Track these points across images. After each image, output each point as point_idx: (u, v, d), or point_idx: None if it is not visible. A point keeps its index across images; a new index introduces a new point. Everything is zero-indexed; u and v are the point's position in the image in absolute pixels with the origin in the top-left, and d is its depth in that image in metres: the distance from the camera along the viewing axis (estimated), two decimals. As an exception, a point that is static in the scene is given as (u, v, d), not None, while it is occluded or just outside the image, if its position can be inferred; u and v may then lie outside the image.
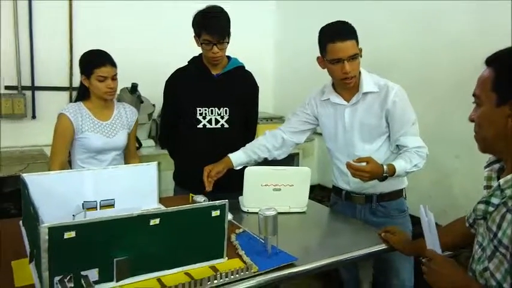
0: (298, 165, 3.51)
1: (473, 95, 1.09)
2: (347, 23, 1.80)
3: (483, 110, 1.06)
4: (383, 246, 1.59)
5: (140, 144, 3.10)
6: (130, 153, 2.29)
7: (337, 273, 2.13)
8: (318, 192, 3.40)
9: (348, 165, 1.71)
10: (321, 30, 1.82)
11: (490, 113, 1.04)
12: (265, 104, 3.97)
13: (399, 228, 1.70)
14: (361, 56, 1.80)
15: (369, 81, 1.85)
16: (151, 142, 3.24)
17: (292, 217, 1.87)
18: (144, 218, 1.23)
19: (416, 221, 2.21)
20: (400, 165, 1.75)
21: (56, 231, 1.11)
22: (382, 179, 1.74)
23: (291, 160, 3.67)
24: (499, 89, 1.02)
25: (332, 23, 1.82)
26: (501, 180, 1.04)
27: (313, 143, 3.66)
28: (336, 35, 1.75)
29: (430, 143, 1.89)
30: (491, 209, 1.06)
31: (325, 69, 1.86)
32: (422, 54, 2.73)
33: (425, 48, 2.71)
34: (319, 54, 1.85)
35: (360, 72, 1.86)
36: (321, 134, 2.08)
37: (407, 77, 2.70)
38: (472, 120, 1.10)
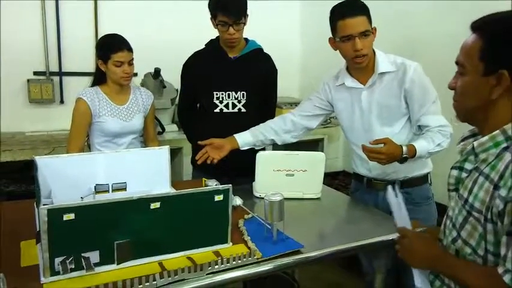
0: (323, 151, 3.44)
1: (456, 62, 1.04)
2: (358, 0, 1.73)
3: (468, 79, 1.01)
4: (392, 236, 1.50)
5: (163, 129, 3.12)
6: (149, 136, 2.31)
7: (359, 264, 2.08)
8: (342, 179, 3.33)
9: (364, 148, 1.64)
10: (332, 10, 1.76)
11: (475, 82, 0.99)
12: (291, 89, 3.91)
13: (424, 216, 1.65)
14: (372, 34, 1.71)
15: (384, 61, 1.77)
16: (174, 127, 3.25)
17: (306, 203, 1.83)
18: (144, 201, 1.22)
19: (442, 209, 2.12)
20: (421, 145, 1.66)
21: (55, 213, 1.12)
22: (402, 160, 1.66)
23: (316, 146, 3.60)
24: (487, 59, 0.97)
25: (342, 1, 1.75)
26: (475, 143, 1.01)
27: (338, 129, 3.56)
28: (346, 11, 1.69)
29: (459, 125, 1.78)
30: (464, 175, 1.05)
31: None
32: (454, 37, 2.58)
33: (457, 30, 2.56)
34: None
35: (374, 53, 1.78)
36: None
37: (438, 58, 2.56)
38: (452, 88, 1.06)
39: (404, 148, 1.64)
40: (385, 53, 1.80)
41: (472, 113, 1.04)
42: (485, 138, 0.99)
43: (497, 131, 0.97)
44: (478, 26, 1.01)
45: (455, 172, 1.08)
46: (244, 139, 1.97)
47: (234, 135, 1.98)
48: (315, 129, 2.09)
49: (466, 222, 1.01)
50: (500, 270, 0.90)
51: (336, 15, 1.72)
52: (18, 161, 2.60)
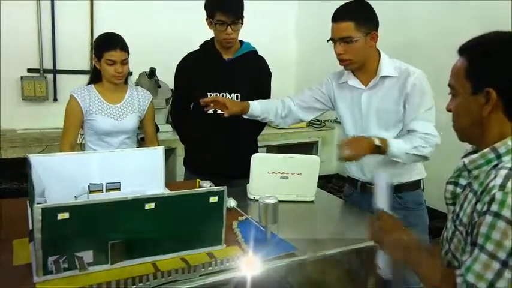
0: (317, 154, 3.46)
1: (449, 85, 1.08)
2: (352, 3, 1.75)
3: (459, 100, 1.05)
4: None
5: (158, 129, 3.11)
6: (148, 137, 2.29)
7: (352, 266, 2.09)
8: (335, 182, 3.35)
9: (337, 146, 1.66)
10: None
11: (466, 102, 1.03)
12: (285, 91, 3.90)
13: (415, 221, 1.69)
14: (358, 41, 1.71)
15: (388, 65, 1.78)
16: (169, 127, 3.25)
17: (299, 206, 1.84)
18: (139, 202, 1.22)
19: (434, 215, 2.13)
20: (396, 142, 1.68)
21: (49, 212, 1.11)
22: (375, 150, 1.65)
23: (310, 148, 3.62)
24: (472, 78, 1.01)
25: (341, 4, 1.76)
26: (465, 160, 1.04)
27: (333, 132, 3.60)
28: (334, 15, 1.74)
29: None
30: (459, 190, 1.08)
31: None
32: (453, 39, 2.60)
33: (457, 36, 2.56)
34: None
35: (379, 56, 1.79)
36: (340, 123, 2.00)
37: (436, 62, 2.56)
38: (449, 110, 1.10)
39: (377, 140, 1.65)
40: (390, 58, 1.81)
41: (469, 131, 1.06)
42: (476, 155, 1.02)
43: (488, 149, 1.00)
44: (463, 48, 1.05)
45: (450, 187, 1.11)
46: (254, 109, 1.95)
47: (249, 101, 1.96)
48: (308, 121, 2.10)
49: (454, 236, 1.04)
50: (457, 272, 0.94)
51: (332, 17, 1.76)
52: (10, 158, 2.59)
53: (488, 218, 0.90)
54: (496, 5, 2.32)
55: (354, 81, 1.85)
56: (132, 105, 2.17)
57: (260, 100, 2.00)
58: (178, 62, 2.23)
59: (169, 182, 1.89)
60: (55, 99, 3.17)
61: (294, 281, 2.28)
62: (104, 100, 2.10)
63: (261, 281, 1.39)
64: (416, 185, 1.88)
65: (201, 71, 2.12)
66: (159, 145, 2.16)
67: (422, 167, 1.88)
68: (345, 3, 1.75)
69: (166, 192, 1.65)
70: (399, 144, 1.68)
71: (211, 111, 2.11)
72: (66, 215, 1.13)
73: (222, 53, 2.11)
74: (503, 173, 0.92)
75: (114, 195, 1.58)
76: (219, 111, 2.10)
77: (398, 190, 1.84)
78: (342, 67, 1.85)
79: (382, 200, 1.26)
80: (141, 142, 2.40)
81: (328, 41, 1.76)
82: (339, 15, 1.72)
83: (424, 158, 1.72)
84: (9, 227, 1.45)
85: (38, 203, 1.16)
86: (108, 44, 2.02)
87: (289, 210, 1.72)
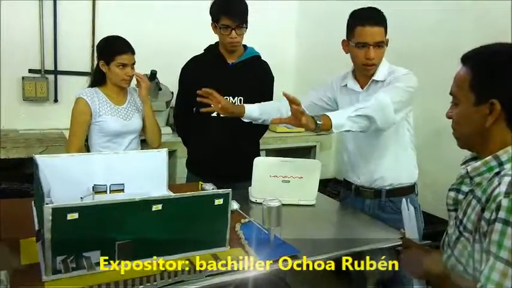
0: (315, 158, 3.49)
1: (450, 93, 1.10)
2: (379, 10, 1.77)
3: (461, 109, 1.08)
4: (388, 244, 1.55)
5: (158, 131, 3.13)
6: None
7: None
8: (333, 186, 3.38)
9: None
10: (352, 13, 1.79)
11: (468, 112, 1.06)
12: (285, 94, 3.95)
13: None
14: (386, 45, 1.76)
15: (384, 70, 1.80)
16: (168, 129, 3.26)
17: (301, 210, 1.86)
18: (147, 203, 1.24)
19: (430, 220, 2.15)
20: (338, 112, 1.67)
21: (59, 212, 1.13)
22: (316, 127, 1.59)
23: (307, 153, 3.65)
24: (476, 89, 1.03)
25: (365, 7, 1.78)
26: (469, 168, 1.07)
27: (331, 136, 3.62)
28: (367, 19, 1.73)
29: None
30: (461, 196, 1.11)
31: (348, 57, 1.83)
32: (454, 44, 2.61)
33: (456, 34, 2.59)
34: (345, 38, 1.81)
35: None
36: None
37: (439, 67, 2.58)
38: (449, 117, 1.12)
39: (318, 118, 1.60)
40: (389, 63, 1.84)
41: (470, 139, 1.09)
42: (479, 163, 1.05)
43: (490, 157, 1.03)
44: (467, 58, 1.07)
45: (452, 194, 1.14)
46: (251, 111, 1.93)
47: (244, 104, 1.96)
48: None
49: (458, 241, 1.07)
50: (478, 285, 0.96)
51: (357, 20, 1.75)
52: (11, 158, 2.60)
53: (498, 226, 0.93)
54: (496, 7, 2.35)
55: (353, 84, 1.88)
56: (136, 105, 2.20)
57: (259, 103, 1.99)
58: (179, 64, 2.26)
59: (171, 183, 1.90)
60: (56, 100, 3.18)
61: (294, 283, 2.31)
62: (111, 102, 2.11)
63: (264, 282, 1.42)
64: (410, 189, 1.91)
65: (205, 74, 2.15)
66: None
67: (415, 170, 1.91)
68: (370, 9, 1.76)
69: (171, 194, 1.67)
70: (340, 112, 1.66)
71: (214, 114, 2.14)
72: (75, 216, 1.15)
73: (226, 57, 2.15)
74: (507, 179, 0.95)
75: (118, 197, 1.60)
76: (222, 115, 2.13)
77: (392, 194, 1.88)
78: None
79: (410, 228, 1.33)
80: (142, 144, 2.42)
81: (357, 44, 1.73)
82: (373, 20, 1.72)
83: (370, 119, 1.61)
84: (15, 227, 1.46)
85: (46, 203, 1.18)
86: (120, 48, 2.04)
87: (290, 213, 1.74)
